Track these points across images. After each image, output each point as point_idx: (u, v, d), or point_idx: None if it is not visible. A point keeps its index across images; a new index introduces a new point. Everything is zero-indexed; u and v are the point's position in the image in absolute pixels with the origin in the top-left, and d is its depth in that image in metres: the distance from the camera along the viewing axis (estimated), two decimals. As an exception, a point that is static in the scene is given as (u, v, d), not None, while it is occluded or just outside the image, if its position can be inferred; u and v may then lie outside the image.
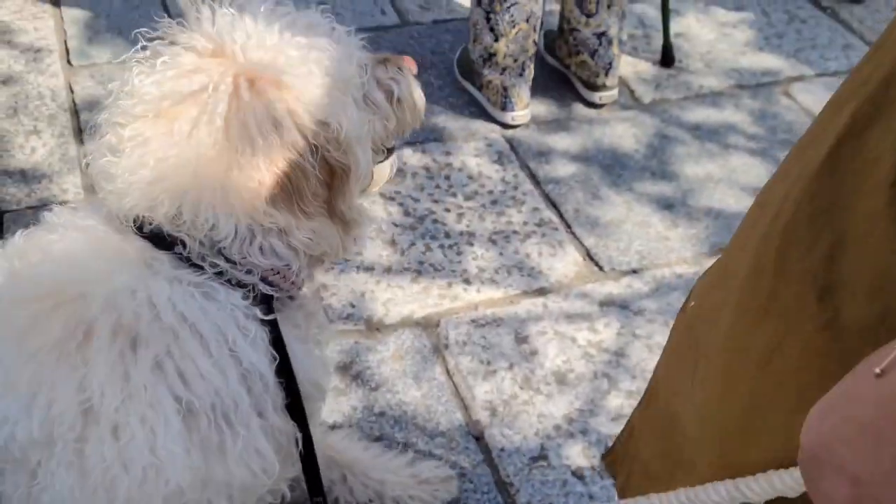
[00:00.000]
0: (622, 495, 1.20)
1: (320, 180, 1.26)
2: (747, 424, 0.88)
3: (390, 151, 1.51)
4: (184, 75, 1.21)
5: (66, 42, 3.23)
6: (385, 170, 1.52)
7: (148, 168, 1.20)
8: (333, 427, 2.09)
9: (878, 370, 0.63)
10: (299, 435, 1.36)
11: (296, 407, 1.35)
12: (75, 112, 2.94)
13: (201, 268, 1.25)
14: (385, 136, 1.43)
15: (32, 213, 2.55)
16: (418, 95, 1.47)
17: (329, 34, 1.31)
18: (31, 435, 1.21)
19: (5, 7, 3.32)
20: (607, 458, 1.32)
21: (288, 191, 1.23)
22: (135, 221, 1.24)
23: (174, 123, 1.20)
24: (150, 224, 1.24)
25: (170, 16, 3.39)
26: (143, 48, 1.27)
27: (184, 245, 1.24)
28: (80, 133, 2.86)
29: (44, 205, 2.57)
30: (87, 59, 3.16)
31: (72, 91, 3.02)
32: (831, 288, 0.77)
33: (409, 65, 1.48)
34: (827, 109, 0.86)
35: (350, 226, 1.36)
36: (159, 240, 1.25)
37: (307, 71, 1.23)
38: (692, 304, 1.10)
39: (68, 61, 3.15)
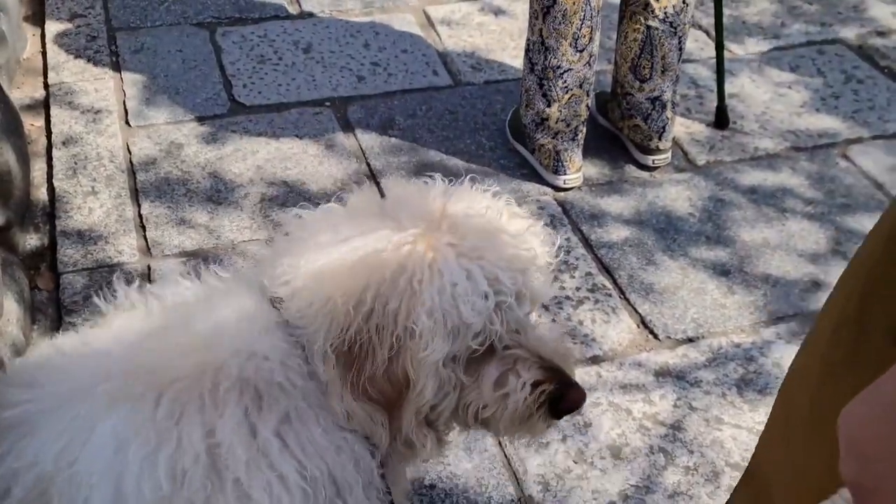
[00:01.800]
0: None
1: (387, 377, 1.23)
2: (832, 478, 0.86)
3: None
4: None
5: (124, 103, 3.29)
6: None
7: (293, 255, 1.30)
8: None
9: None
10: None
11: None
12: (132, 173, 2.98)
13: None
14: (476, 417, 1.32)
15: (88, 275, 2.58)
16: (521, 412, 1.29)
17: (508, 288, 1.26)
18: (160, 490, 1.20)
19: (67, 69, 3.41)
20: None
21: (350, 354, 1.23)
22: (272, 298, 1.32)
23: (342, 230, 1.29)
24: (280, 304, 1.30)
25: (225, 76, 3.46)
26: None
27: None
28: (136, 194, 2.90)
29: (100, 266, 2.60)
30: (145, 119, 3.22)
31: (129, 152, 3.07)
32: None
33: (573, 397, 1.29)
34: None
35: (409, 445, 1.32)
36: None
37: (442, 287, 1.21)
38: (787, 374, 1.09)
39: (126, 122, 3.21)
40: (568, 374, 1.31)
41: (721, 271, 2.76)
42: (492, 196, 1.37)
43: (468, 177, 1.40)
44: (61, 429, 1.26)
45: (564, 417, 1.35)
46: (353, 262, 1.24)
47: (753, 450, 2.20)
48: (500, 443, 2.21)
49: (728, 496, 2.10)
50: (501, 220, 1.32)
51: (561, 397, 1.28)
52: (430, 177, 1.40)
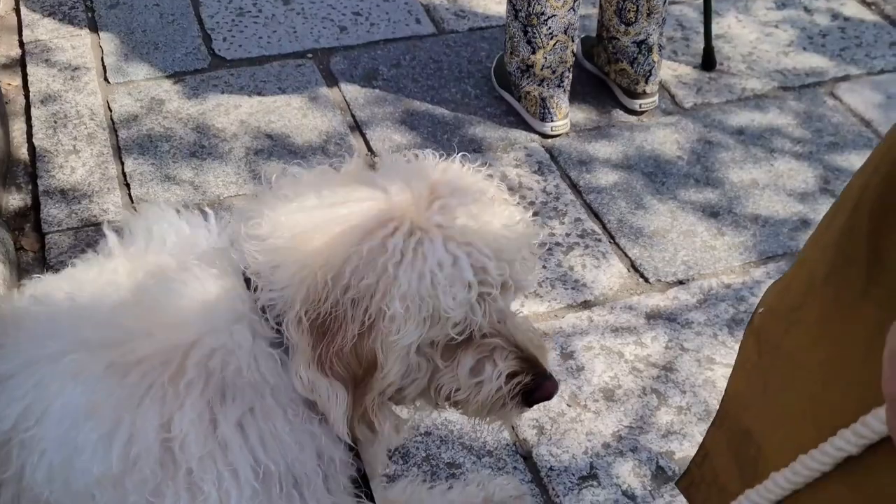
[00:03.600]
0: None
1: (356, 353, 1.19)
2: (850, 416, 0.85)
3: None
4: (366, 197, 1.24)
5: (102, 59, 3.24)
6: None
7: (267, 232, 1.23)
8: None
9: None
10: None
11: (363, 484, 1.34)
12: (114, 130, 2.94)
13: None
14: (448, 399, 1.29)
15: (74, 234, 2.55)
16: (494, 401, 1.27)
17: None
18: (110, 471, 1.20)
19: (43, 26, 3.34)
20: (682, 482, 1.28)
21: (322, 325, 1.19)
22: (246, 280, 1.26)
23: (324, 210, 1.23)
24: (255, 286, 1.24)
25: (204, 30, 3.39)
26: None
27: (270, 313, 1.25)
28: (119, 151, 2.86)
29: (85, 225, 2.58)
30: (125, 76, 3.17)
31: (110, 109, 3.03)
32: None
33: (546, 389, 1.29)
34: None
35: (369, 427, 1.27)
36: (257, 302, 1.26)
37: (423, 273, 1.16)
38: (760, 311, 1.06)
39: (105, 79, 3.16)
40: (543, 365, 1.29)
41: (710, 213, 2.75)
42: (485, 177, 1.31)
43: (460, 154, 1.34)
44: (24, 392, 1.26)
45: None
46: (335, 232, 1.19)
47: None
48: (493, 389, 2.21)
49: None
50: (493, 205, 1.26)
51: (536, 388, 1.27)
52: (422, 152, 1.34)
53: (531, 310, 2.41)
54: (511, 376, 1.26)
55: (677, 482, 1.31)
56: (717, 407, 2.24)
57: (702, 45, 3.32)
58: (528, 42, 2.85)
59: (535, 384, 1.27)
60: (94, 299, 1.34)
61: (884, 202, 0.82)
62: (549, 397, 1.30)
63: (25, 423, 1.25)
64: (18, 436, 1.25)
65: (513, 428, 2.14)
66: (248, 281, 1.25)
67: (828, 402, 0.89)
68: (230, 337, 1.22)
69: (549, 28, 2.80)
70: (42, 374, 1.27)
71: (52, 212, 2.62)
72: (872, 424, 0.82)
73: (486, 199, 1.25)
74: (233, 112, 3.03)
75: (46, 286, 1.45)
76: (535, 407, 2.12)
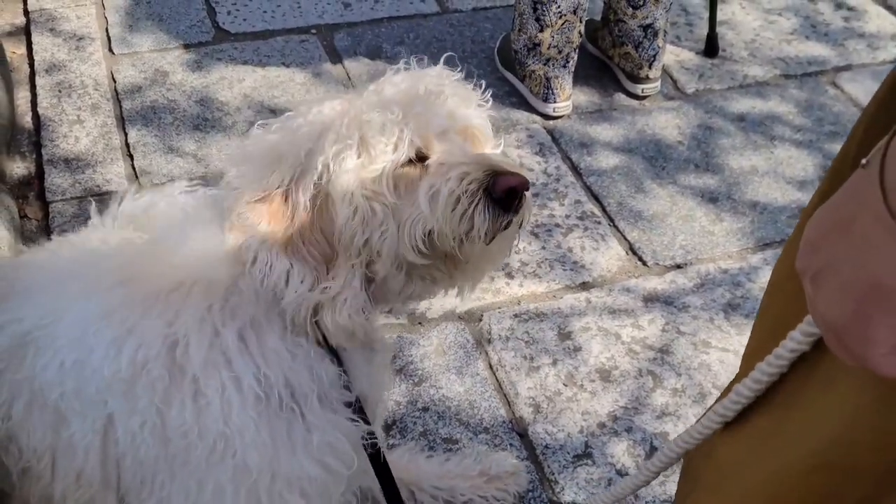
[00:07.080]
0: None
1: (321, 227, 1.24)
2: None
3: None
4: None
5: (107, 30, 3.23)
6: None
7: (243, 156, 1.32)
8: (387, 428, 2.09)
9: (864, 161, 0.67)
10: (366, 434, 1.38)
11: (359, 409, 1.37)
12: (118, 101, 2.95)
13: None
14: (425, 242, 1.23)
15: (77, 204, 2.57)
16: (457, 212, 1.20)
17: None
18: (120, 373, 1.25)
19: (48, -6, 3.33)
20: None
21: (283, 209, 1.24)
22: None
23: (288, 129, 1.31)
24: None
25: (209, 3, 3.37)
26: None
27: None
28: (123, 122, 2.86)
29: (89, 195, 2.59)
30: (129, 47, 3.17)
31: (114, 80, 3.03)
32: None
33: (504, 179, 1.19)
34: None
35: (333, 301, 1.24)
36: None
37: (352, 117, 1.25)
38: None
39: (110, 49, 3.15)
40: (498, 165, 1.23)
41: (709, 198, 2.78)
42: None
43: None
44: (43, 302, 1.36)
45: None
46: (278, 140, 1.30)
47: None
48: (490, 366, 2.24)
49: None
50: (421, 77, 1.31)
51: (494, 183, 1.20)
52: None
53: (530, 290, 2.44)
54: (462, 179, 1.21)
55: None
56: (713, 389, 2.26)
57: (705, 31, 3.33)
58: (537, 20, 2.85)
59: (491, 180, 1.20)
60: (106, 249, 1.45)
61: (874, 123, 0.85)
62: (510, 187, 1.20)
63: (42, 323, 1.33)
64: (34, 333, 1.33)
65: (509, 405, 2.17)
66: None
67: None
68: (229, 267, 1.28)
69: (559, 7, 2.81)
70: (61, 288, 1.36)
71: (56, 181, 2.63)
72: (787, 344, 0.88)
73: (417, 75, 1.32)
74: (236, 86, 3.04)
75: (58, 244, 1.56)
76: (532, 385, 2.18)
